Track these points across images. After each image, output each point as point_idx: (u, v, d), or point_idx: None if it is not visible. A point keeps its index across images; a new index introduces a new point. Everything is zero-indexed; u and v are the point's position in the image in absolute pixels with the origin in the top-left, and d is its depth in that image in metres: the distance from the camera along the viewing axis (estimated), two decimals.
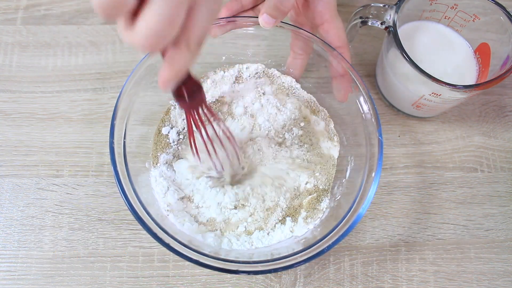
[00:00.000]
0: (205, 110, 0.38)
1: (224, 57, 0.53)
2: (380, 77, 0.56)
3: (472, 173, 0.53)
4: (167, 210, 0.44)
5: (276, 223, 0.46)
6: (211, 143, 0.41)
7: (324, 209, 0.47)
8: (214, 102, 0.51)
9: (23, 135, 0.52)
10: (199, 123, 0.38)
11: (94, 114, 0.54)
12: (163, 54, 0.28)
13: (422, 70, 0.45)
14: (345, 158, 0.48)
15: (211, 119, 0.40)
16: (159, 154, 0.48)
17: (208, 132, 0.40)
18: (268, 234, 0.46)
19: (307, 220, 0.46)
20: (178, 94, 0.34)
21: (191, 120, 0.38)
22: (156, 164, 0.47)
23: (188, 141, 0.43)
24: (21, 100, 0.54)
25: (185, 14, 0.24)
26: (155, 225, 0.38)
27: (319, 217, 0.46)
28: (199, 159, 0.43)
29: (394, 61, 0.49)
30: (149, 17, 0.22)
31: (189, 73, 0.33)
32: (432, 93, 0.47)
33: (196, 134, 0.40)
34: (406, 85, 0.50)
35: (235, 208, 0.46)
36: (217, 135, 0.42)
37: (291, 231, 0.46)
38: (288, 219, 0.46)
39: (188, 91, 0.34)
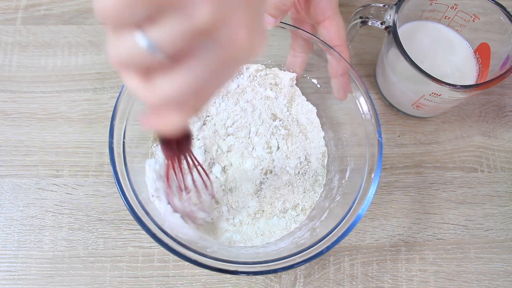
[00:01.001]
0: (189, 158, 0.36)
1: None
2: (380, 77, 0.56)
3: (472, 173, 0.53)
4: (153, 196, 0.43)
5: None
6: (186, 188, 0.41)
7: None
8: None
9: (23, 135, 0.52)
10: (179, 169, 0.37)
11: (94, 114, 0.54)
12: None
13: (422, 70, 0.45)
14: (345, 158, 0.48)
15: (193, 165, 0.38)
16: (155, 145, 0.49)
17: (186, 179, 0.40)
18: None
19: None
20: (164, 142, 0.31)
21: (171, 164, 0.36)
22: (153, 156, 0.48)
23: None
24: (21, 100, 0.54)
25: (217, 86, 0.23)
26: (154, 225, 0.38)
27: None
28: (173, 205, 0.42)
29: (394, 61, 0.49)
30: (177, 81, 0.20)
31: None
32: (432, 93, 0.47)
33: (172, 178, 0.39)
34: (406, 85, 0.50)
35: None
36: (194, 183, 0.41)
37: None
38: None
39: (177, 141, 0.31)
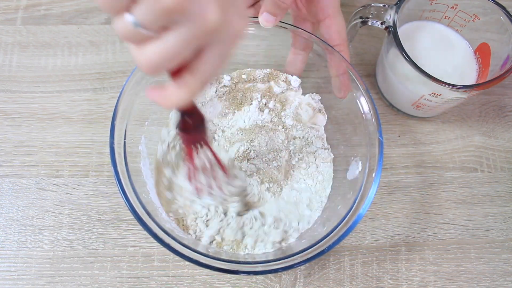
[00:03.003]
0: (204, 147, 0.38)
1: None
2: (380, 77, 0.56)
3: (472, 173, 0.53)
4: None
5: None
6: (205, 175, 0.42)
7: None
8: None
9: (23, 135, 0.52)
10: (196, 157, 0.39)
11: (94, 114, 0.54)
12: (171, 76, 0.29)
13: (422, 70, 0.45)
14: (345, 159, 0.48)
15: (209, 154, 0.40)
16: None
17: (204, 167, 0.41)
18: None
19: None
20: (181, 127, 0.34)
21: (190, 151, 0.38)
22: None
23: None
24: (21, 100, 0.54)
25: (191, 54, 0.26)
26: (155, 225, 0.38)
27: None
28: (196, 189, 0.43)
29: (394, 61, 0.49)
30: (157, 46, 0.25)
31: (194, 106, 0.33)
32: (432, 93, 0.47)
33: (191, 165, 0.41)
34: (406, 85, 0.50)
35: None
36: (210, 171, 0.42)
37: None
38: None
39: (191, 125, 0.34)
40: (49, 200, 0.49)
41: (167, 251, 0.37)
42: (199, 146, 0.38)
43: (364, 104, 0.44)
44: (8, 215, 0.49)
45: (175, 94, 0.28)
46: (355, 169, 0.45)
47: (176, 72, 0.27)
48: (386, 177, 0.52)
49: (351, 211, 0.40)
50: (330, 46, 0.46)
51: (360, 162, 0.44)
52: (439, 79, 0.44)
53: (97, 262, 0.47)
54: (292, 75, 0.52)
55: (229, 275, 0.47)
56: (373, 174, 0.41)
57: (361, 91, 0.44)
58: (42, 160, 0.51)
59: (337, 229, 0.39)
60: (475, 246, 0.50)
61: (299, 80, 0.52)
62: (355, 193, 0.41)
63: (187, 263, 0.47)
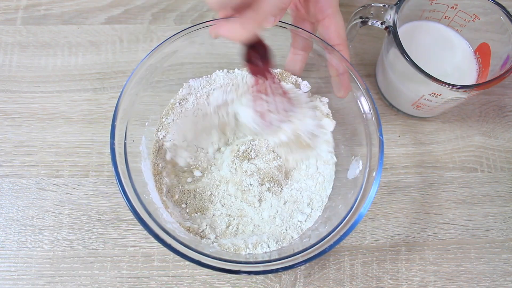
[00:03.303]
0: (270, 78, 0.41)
1: (224, 57, 0.52)
2: (380, 77, 0.56)
3: (472, 173, 0.53)
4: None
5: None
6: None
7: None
8: None
9: (23, 135, 0.52)
10: (262, 88, 0.42)
11: (94, 114, 0.54)
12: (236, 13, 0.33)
13: (422, 70, 0.45)
14: (345, 158, 0.48)
15: (274, 87, 0.43)
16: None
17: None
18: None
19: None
20: (248, 58, 0.38)
21: (256, 81, 0.41)
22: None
23: None
24: (21, 100, 0.54)
25: None
26: (156, 225, 0.38)
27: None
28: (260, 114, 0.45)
29: (394, 61, 0.49)
30: None
31: (259, 39, 0.37)
32: (432, 93, 0.47)
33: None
34: (406, 85, 0.50)
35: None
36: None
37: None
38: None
39: (258, 56, 0.38)
40: (49, 200, 0.49)
41: (167, 251, 0.37)
42: (265, 76, 0.41)
43: (364, 104, 0.44)
44: (8, 215, 0.49)
45: (242, 28, 0.32)
46: (356, 169, 0.45)
47: (239, 9, 0.32)
48: (386, 177, 0.52)
49: (352, 210, 0.40)
50: (330, 45, 0.46)
51: (360, 161, 0.44)
52: (439, 79, 0.44)
53: (97, 262, 0.47)
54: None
55: (229, 275, 0.47)
56: (374, 174, 0.41)
57: (361, 91, 0.44)
58: (42, 160, 0.51)
59: (338, 228, 0.39)
60: (475, 246, 0.50)
61: (309, 86, 0.51)
62: (356, 192, 0.41)
63: (187, 263, 0.47)
